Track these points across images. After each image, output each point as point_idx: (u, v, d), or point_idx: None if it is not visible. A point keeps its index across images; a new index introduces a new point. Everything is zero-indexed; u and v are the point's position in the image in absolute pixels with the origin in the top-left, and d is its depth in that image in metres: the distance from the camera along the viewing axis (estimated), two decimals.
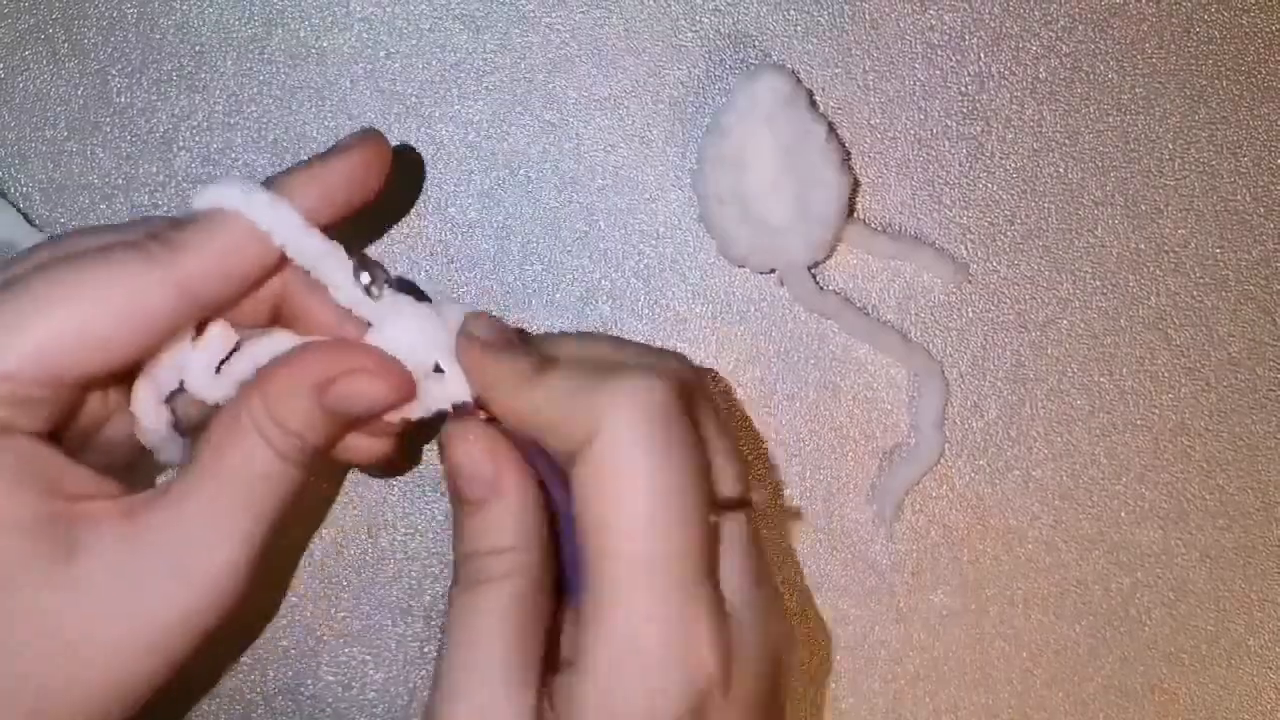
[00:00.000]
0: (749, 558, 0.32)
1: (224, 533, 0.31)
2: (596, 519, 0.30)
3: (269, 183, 0.33)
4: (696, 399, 0.33)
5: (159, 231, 0.31)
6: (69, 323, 0.30)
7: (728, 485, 0.33)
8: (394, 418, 0.34)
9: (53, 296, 0.30)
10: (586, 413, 0.30)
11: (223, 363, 0.33)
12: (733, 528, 0.32)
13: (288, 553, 0.41)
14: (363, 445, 0.35)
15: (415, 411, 0.34)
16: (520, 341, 0.33)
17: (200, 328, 0.33)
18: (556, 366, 0.31)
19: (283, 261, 0.33)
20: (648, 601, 0.29)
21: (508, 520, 0.32)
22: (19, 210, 0.40)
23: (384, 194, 0.35)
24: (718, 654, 0.30)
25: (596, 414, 0.30)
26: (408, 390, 0.33)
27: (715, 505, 0.31)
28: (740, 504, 0.32)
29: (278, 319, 0.35)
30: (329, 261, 0.33)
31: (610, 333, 0.42)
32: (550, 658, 0.32)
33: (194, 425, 0.36)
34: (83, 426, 0.33)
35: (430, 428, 0.35)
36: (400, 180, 0.41)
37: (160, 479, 0.38)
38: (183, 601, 0.31)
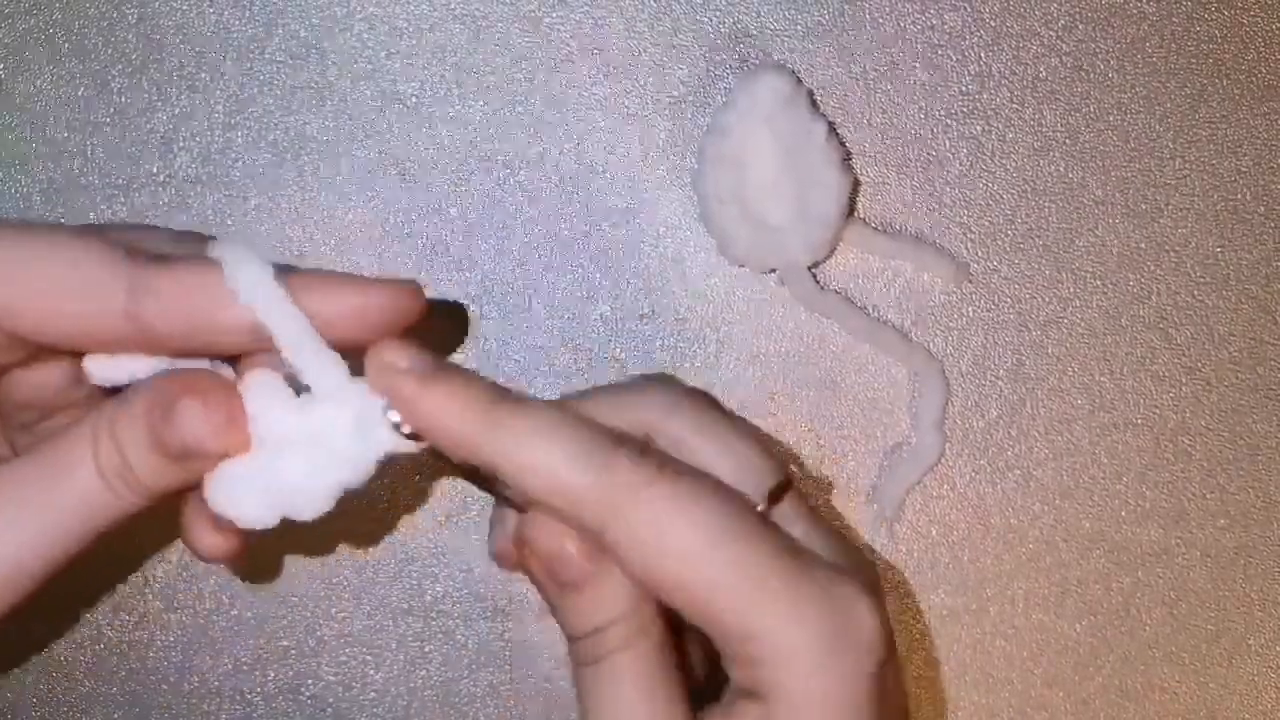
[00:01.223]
0: (814, 522, 0.33)
1: (10, 535, 0.29)
2: (674, 586, 0.29)
3: (288, 269, 0.31)
4: (692, 416, 0.33)
5: (165, 253, 0.30)
6: (23, 281, 0.29)
7: (760, 477, 0.32)
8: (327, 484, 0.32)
9: (19, 248, 0.30)
10: (595, 502, 0.29)
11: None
12: (784, 509, 0.32)
13: (287, 554, 0.42)
14: (205, 539, 0.32)
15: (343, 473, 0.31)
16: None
17: None
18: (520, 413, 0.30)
19: (252, 342, 0.31)
20: (787, 604, 0.29)
21: (612, 591, 0.30)
22: None
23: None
24: (873, 610, 0.30)
25: (605, 504, 0.29)
26: (238, 436, 0.30)
27: (753, 506, 0.31)
28: (781, 488, 0.33)
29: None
30: (306, 348, 0.30)
31: (609, 333, 0.42)
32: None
33: None
34: (32, 403, 0.33)
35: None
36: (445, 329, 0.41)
37: None
38: None
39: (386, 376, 0.30)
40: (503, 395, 0.30)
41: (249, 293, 0.30)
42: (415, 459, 0.31)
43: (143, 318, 0.30)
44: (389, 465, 0.31)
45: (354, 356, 0.31)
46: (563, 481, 0.29)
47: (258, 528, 0.31)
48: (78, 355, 0.32)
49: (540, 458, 0.29)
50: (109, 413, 0.30)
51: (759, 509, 0.31)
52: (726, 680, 0.31)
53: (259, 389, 0.31)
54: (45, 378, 0.33)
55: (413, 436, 0.30)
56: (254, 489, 0.31)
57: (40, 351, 0.32)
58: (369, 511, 0.42)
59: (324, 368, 0.30)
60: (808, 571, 0.29)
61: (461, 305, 0.41)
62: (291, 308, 0.30)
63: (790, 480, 0.33)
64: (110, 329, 0.30)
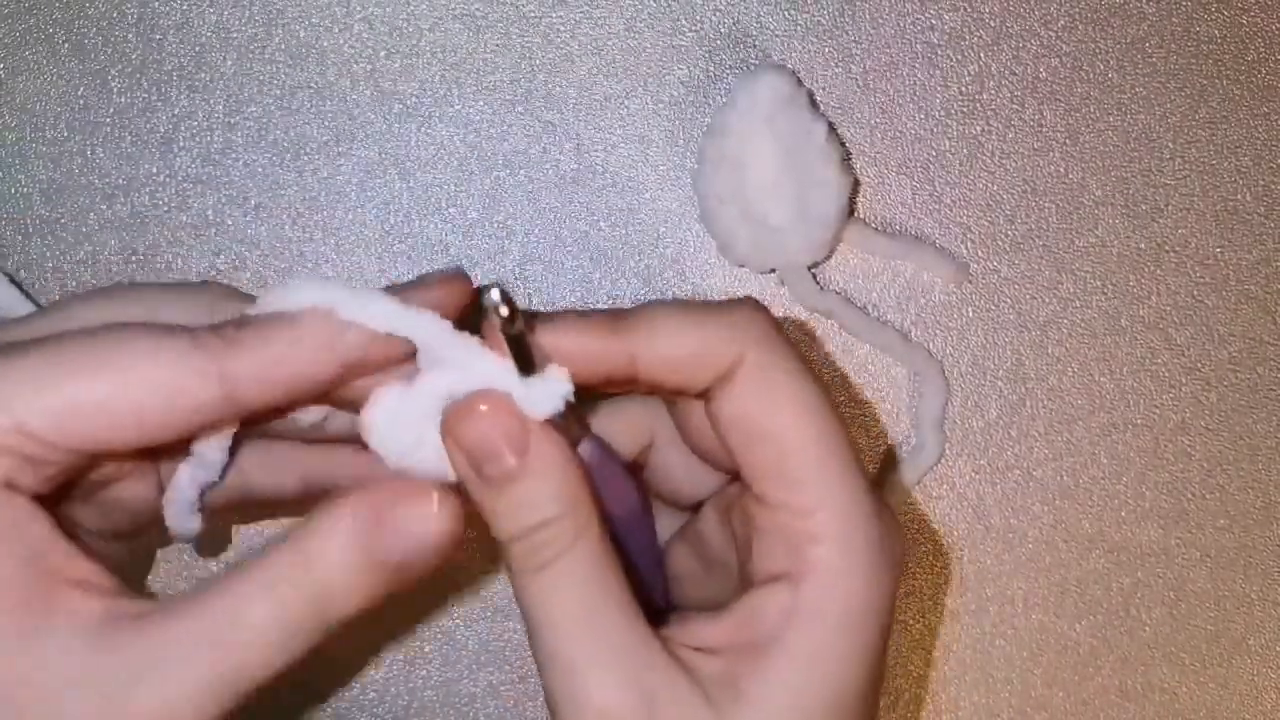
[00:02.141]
0: None
1: (179, 694, 0.28)
2: (773, 434, 0.30)
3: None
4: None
5: (223, 325, 0.29)
6: (99, 393, 0.28)
7: None
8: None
9: (90, 362, 0.28)
10: (722, 344, 0.30)
11: (210, 487, 0.33)
12: None
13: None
14: (185, 521, 0.33)
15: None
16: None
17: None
18: (643, 314, 0.30)
19: (347, 374, 0.30)
20: (860, 499, 0.30)
21: (545, 486, 0.29)
22: (14, 282, 0.41)
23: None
24: (903, 544, 0.31)
25: (732, 344, 0.30)
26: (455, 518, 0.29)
27: None
28: None
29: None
30: (436, 332, 0.30)
31: None
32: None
33: (216, 508, 0.34)
34: (92, 479, 0.32)
35: None
36: None
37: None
38: None
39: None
40: (609, 315, 0.31)
41: (365, 314, 0.29)
42: None
43: (237, 399, 0.29)
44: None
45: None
46: (693, 348, 0.30)
47: (419, 469, 0.30)
48: (157, 454, 0.31)
49: (671, 332, 0.30)
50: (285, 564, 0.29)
51: None
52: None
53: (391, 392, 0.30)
54: (105, 465, 0.32)
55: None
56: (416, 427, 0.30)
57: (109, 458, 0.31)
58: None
59: (469, 349, 0.30)
60: (871, 485, 0.31)
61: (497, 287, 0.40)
62: (408, 310, 0.30)
63: None
64: (203, 416, 0.29)
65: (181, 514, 0.33)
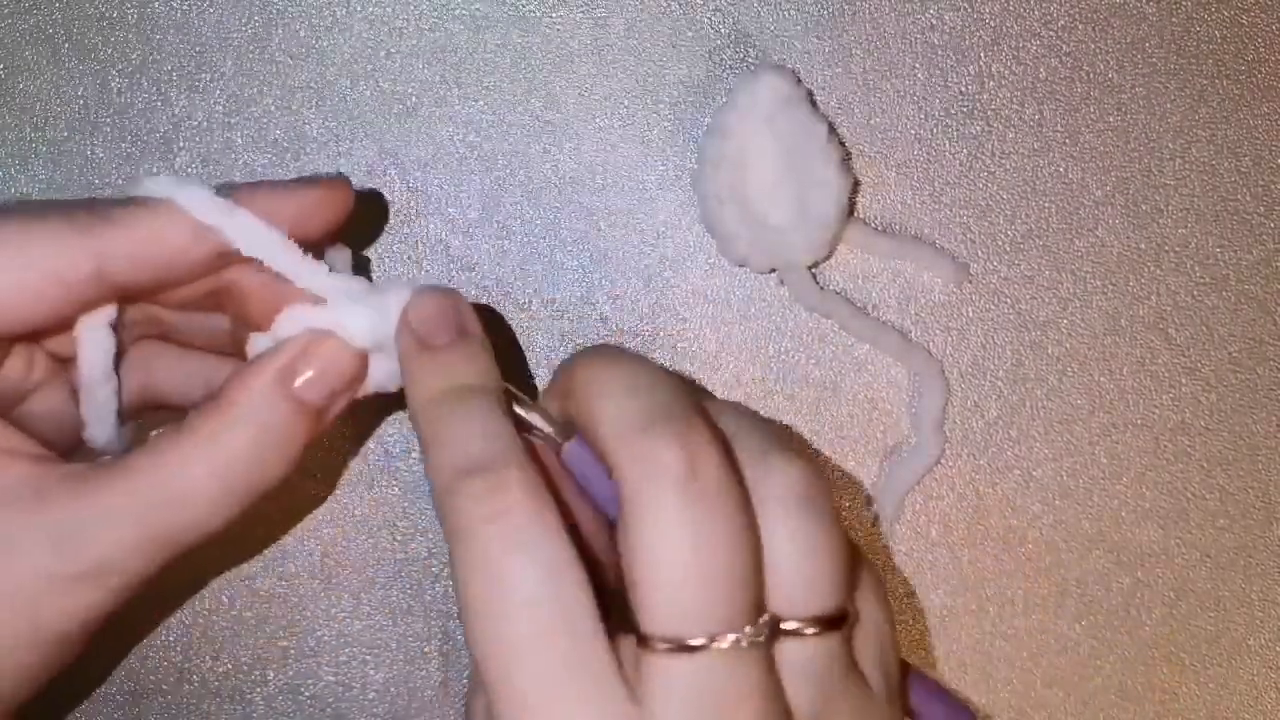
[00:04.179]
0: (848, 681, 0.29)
1: (131, 541, 0.30)
2: (630, 579, 0.27)
3: (220, 188, 0.33)
4: (764, 480, 0.28)
5: (98, 204, 0.32)
6: None
7: (806, 595, 0.28)
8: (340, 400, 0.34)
9: None
10: (615, 460, 0.27)
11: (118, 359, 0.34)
12: (804, 647, 0.28)
13: (288, 552, 0.42)
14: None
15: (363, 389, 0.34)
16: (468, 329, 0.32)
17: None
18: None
19: (215, 264, 0.33)
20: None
21: (481, 357, 0.31)
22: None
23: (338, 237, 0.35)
24: None
25: (621, 467, 0.27)
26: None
27: (759, 612, 0.27)
28: (829, 621, 0.28)
29: (216, 297, 0.35)
30: (275, 246, 0.33)
31: (609, 333, 0.42)
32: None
33: (134, 410, 0.36)
34: (6, 390, 0.33)
35: None
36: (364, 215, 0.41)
37: None
38: (70, 599, 0.30)
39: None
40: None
41: (209, 217, 0.32)
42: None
43: (111, 275, 0.31)
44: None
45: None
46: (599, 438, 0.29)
47: (392, 389, 0.33)
48: (37, 337, 0.33)
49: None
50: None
51: (764, 623, 0.27)
52: None
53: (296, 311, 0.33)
54: (11, 369, 0.33)
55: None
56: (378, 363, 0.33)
57: (4, 345, 0.33)
58: (369, 511, 0.42)
59: (308, 267, 0.33)
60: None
61: (379, 193, 0.41)
62: (255, 222, 0.33)
63: (838, 622, 0.28)
64: (83, 296, 0.31)
65: (100, 423, 0.34)
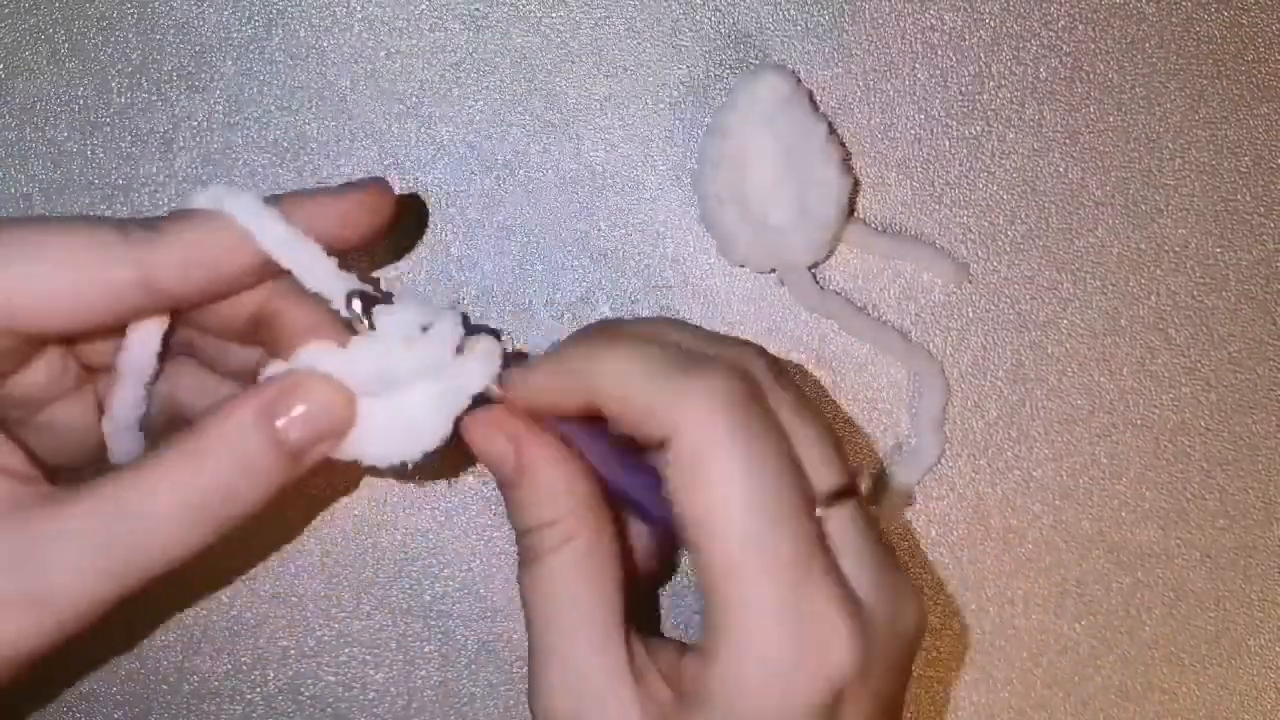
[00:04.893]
0: (869, 543, 0.31)
1: (87, 568, 0.29)
2: (697, 521, 0.29)
3: (268, 200, 0.33)
4: (773, 389, 0.32)
5: (149, 219, 0.32)
6: (27, 276, 0.30)
7: (825, 474, 0.31)
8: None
9: (21, 248, 0.30)
10: (664, 410, 0.30)
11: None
12: (843, 516, 0.31)
13: (288, 552, 0.42)
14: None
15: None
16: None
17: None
18: (606, 358, 0.31)
19: (262, 274, 0.33)
20: (772, 601, 0.29)
21: (543, 495, 0.32)
22: None
23: (384, 239, 0.35)
24: (853, 649, 0.29)
25: (673, 413, 0.30)
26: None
27: (813, 500, 0.31)
28: (845, 493, 0.32)
29: (257, 329, 0.34)
30: (316, 268, 0.33)
31: None
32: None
33: (156, 422, 0.36)
34: (27, 398, 0.33)
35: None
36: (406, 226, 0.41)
37: None
38: (13, 624, 0.29)
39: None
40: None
41: (259, 231, 0.32)
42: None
43: (156, 284, 0.31)
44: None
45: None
46: (636, 409, 0.30)
47: (382, 465, 0.33)
48: (73, 342, 0.33)
49: (617, 386, 0.31)
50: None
51: (816, 507, 0.31)
52: None
53: (318, 351, 0.32)
54: (38, 374, 0.33)
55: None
56: (378, 428, 0.32)
57: (41, 347, 0.32)
58: (369, 511, 0.42)
59: (339, 288, 0.33)
60: (805, 581, 0.29)
61: (418, 196, 0.42)
62: (299, 237, 0.32)
63: (855, 489, 0.32)
64: (126, 303, 0.31)
65: (122, 436, 0.34)
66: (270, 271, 0.32)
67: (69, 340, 0.33)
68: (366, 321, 0.33)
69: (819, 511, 0.31)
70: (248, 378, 0.36)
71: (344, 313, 0.33)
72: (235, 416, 0.31)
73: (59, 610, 0.29)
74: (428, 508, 0.42)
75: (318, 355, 0.32)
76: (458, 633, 0.42)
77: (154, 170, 0.41)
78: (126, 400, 0.34)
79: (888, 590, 0.31)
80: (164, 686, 0.42)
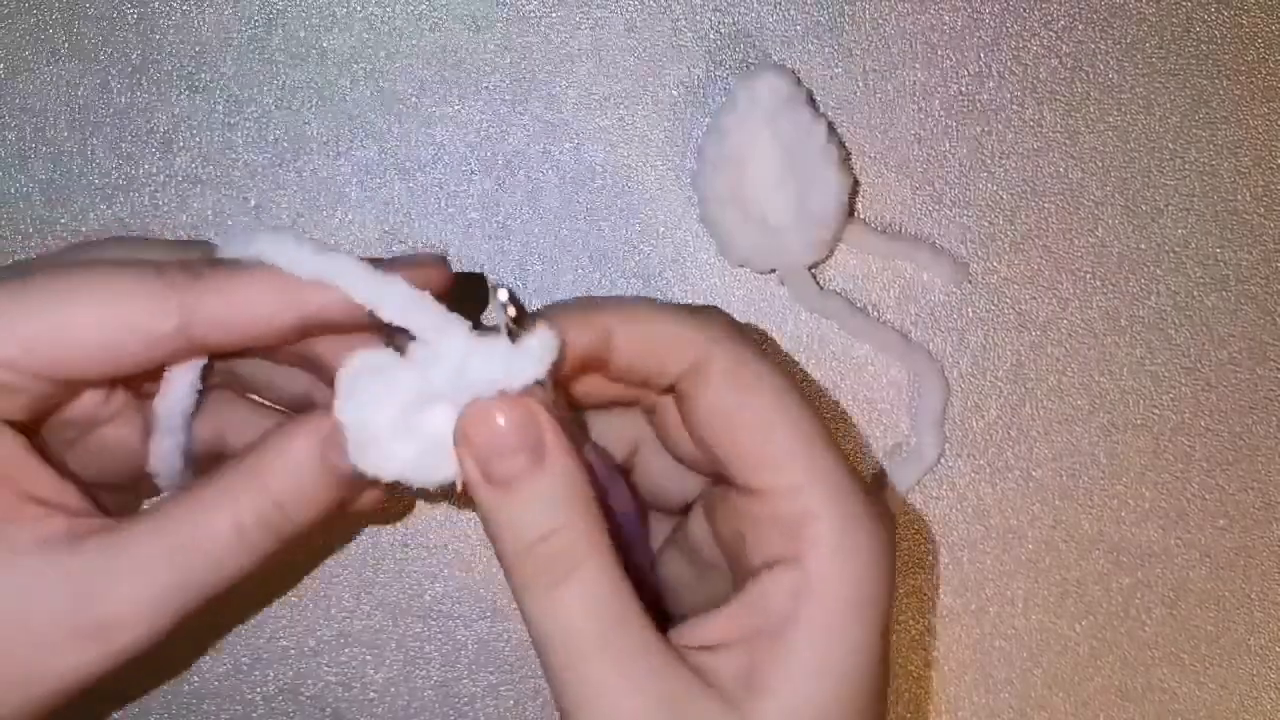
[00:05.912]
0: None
1: (146, 596, 0.29)
2: (750, 426, 0.30)
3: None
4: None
5: (191, 262, 0.31)
6: (66, 325, 0.30)
7: None
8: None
9: (59, 295, 0.30)
10: (692, 333, 0.30)
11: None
12: None
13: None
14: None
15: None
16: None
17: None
18: (619, 301, 0.31)
19: (305, 330, 0.31)
20: (846, 473, 0.30)
21: (552, 491, 0.29)
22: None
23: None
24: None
25: (704, 334, 0.30)
26: None
27: None
28: None
29: (303, 362, 0.34)
30: (393, 292, 0.30)
31: None
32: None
33: (200, 459, 0.36)
34: (76, 420, 0.33)
35: None
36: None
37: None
38: (74, 655, 0.29)
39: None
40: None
41: (320, 272, 0.30)
42: None
43: (195, 335, 0.30)
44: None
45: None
46: (666, 335, 0.30)
47: (431, 487, 0.30)
48: (118, 384, 0.33)
49: (645, 318, 0.31)
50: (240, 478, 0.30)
51: None
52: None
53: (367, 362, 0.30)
54: (85, 403, 0.33)
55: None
56: (400, 443, 0.30)
57: (81, 389, 0.32)
58: (369, 511, 0.42)
59: (426, 311, 0.30)
60: (855, 473, 0.30)
61: (481, 274, 0.41)
62: (367, 269, 0.30)
63: None
64: (163, 350, 0.31)
65: (166, 460, 0.34)
66: (313, 328, 0.31)
67: (110, 383, 0.33)
68: (507, 330, 0.29)
69: None
70: (287, 400, 0.36)
71: (494, 316, 0.29)
72: (293, 446, 0.30)
73: (118, 641, 0.30)
74: (428, 508, 0.42)
75: (376, 361, 0.30)
76: (458, 633, 0.42)
77: (154, 170, 0.41)
78: (167, 444, 0.34)
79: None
80: (164, 686, 0.42)
